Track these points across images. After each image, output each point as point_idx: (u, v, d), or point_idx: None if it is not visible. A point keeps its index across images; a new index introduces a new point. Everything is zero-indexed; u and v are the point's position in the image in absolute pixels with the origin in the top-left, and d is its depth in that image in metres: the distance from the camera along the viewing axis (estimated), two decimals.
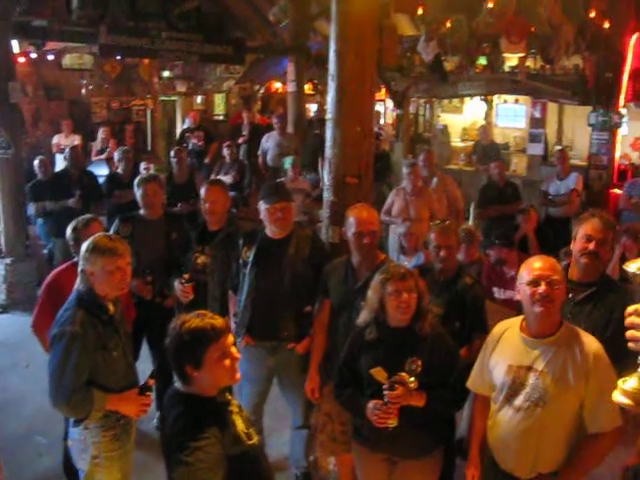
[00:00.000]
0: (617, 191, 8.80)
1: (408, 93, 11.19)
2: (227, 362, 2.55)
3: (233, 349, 2.60)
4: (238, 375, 2.64)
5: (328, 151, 4.84)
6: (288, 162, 8.64)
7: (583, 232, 3.57)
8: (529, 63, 9.98)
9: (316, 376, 4.24)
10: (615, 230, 3.73)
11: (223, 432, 2.50)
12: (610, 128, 9.18)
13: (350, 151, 4.77)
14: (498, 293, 5.42)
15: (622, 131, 9.48)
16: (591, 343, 3.00)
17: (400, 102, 11.29)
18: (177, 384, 2.61)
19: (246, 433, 2.61)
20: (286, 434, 4.71)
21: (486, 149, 11.14)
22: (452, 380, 3.42)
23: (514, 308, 5.10)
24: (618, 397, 1.74)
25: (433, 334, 3.45)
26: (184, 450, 2.39)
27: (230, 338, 2.60)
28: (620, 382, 1.75)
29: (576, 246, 3.60)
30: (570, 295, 3.51)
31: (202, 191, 4.94)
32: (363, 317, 3.54)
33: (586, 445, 3.01)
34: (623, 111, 9.11)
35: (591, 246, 3.52)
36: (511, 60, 10.29)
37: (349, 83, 4.67)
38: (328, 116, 4.84)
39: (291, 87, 11.04)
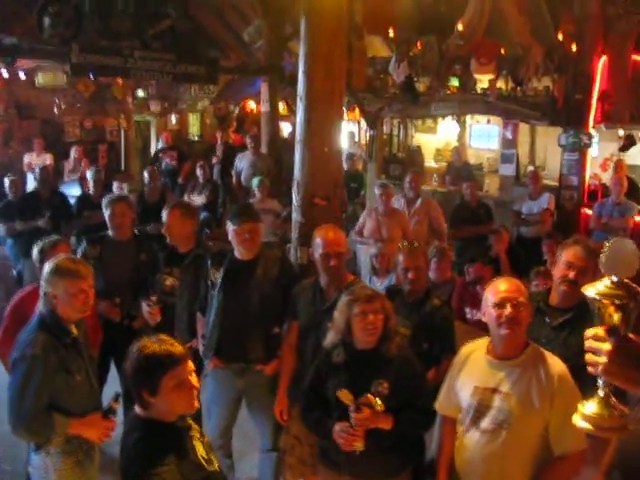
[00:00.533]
0: (588, 211, 8.87)
1: (381, 113, 11.23)
2: (184, 391, 2.50)
3: (192, 378, 2.55)
4: (196, 404, 2.59)
5: (297, 172, 4.84)
6: (255, 182, 8.63)
7: (565, 259, 3.58)
8: (501, 84, 10.08)
9: (284, 398, 4.20)
10: (597, 257, 3.73)
11: (182, 459, 2.45)
12: (580, 149, 9.27)
13: (319, 172, 4.77)
14: (471, 314, 5.42)
15: (592, 152, 9.57)
16: (556, 365, 3.01)
17: (374, 122, 11.33)
18: (137, 408, 2.57)
19: (206, 459, 2.56)
20: (255, 457, 4.65)
21: (459, 170, 11.21)
22: (420, 402, 3.40)
23: (486, 329, 5.15)
24: (578, 421, 1.73)
25: (400, 356, 3.43)
26: (141, 477, 2.34)
27: (189, 366, 2.55)
28: (580, 406, 1.73)
29: (557, 272, 3.61)
30: (547, 320, 3.53)
31: (163, 214, 4.92)
32: (330, 339, 3.52)
33: (551, 467, 3.01)
34: (593, 132, 9.21)
35: (571, 274, 3.53)
36: (483, 82, 10.38)
37: (317, 104, 4.68)
38: (297, 137, 4.84)
39: (265, 107, 11.04)
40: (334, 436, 3.31)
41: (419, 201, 7.61)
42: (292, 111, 14.33)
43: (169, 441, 2.46)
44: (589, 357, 1.67)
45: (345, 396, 3.30)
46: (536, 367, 2.99)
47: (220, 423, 4.44)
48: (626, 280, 1.66)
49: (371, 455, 3.31)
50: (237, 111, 16.28)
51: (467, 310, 5.47)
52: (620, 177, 8.17)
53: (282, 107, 12.89)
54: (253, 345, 4.28)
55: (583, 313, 3.51)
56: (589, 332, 1.69)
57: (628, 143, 9.38)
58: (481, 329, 5.11)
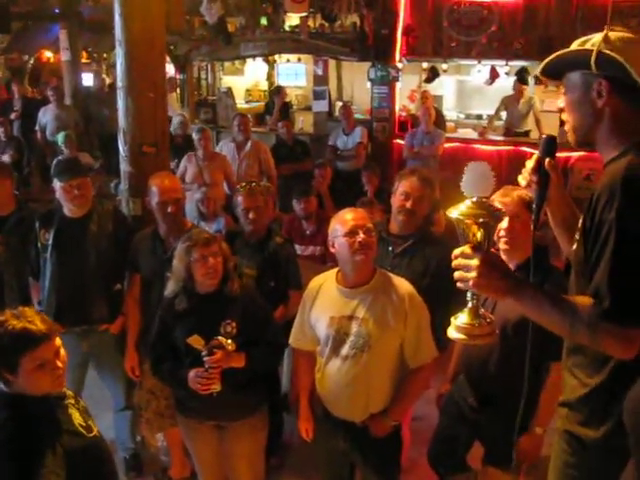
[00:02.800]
0: (400, 141, 9.27)
1: (190, 57, 10.97)
2: (46, 372, 2.29)
3: (59, 357, 2.34)
4: (62, 382, 2.41)
5: (121, 121, 4.63)
6: (61, 138, 8.18)
7: (402, 189, 3.72)
8: (310, 22, 10.15)
9: (134, 354, 4.12)
10: (433, 187, 3.93)
11: (59, 436, 2.32)
12: (389, 82, 9.63)
13: (145, 119, 4.59)
14: (300, 250, 5.52)
15: (398, 84, 9.95)
16: (404, 286, 3.17)
17: (183, 66, 11.05)
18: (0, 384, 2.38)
19: (84, 426, 2.44)
20: (108, 418, 4.52)
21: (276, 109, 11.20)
22: (268, 337, 3.48)
23: (319, 262, 5.31)
24: (452, 333, 1.86)
25: (243, 295, 3.46)
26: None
27: (54, 344, 2.33)
28: (452, 319, 1.87)
29: (395, 202, 3.75)
30: (390, 248, 3.70)
31: None
32: (171, 287, 3.47)
33: (409, 379, 3.21)
34: (399, 65, 9.58)
35: (408, 204, 3.68)
36: (291, 19, 10.41)
37: (138, 48, 4.47)
38: (118, 84, 4.61)
39: (65, 56, 10.39)
40: (190, 383, 3.30)
41: (249, 144, 7.54)
42: (93, 59, 13.65)
43: (40, 418, 2.31)
44: (459, 274, 1.79)
45: (196, 341, 3.31)
46: (387, 290, 3.13)
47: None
48: (484, 199, 1.79)
49: (228, 396, 3.35)
50: (32, 62, 15.19)
51: (296, 246, 5.56)
52: (428, 107, 8.57)
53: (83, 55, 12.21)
54: (94, 305, 4.14)
55: (423, 240, 3.74)
56: (456, 251, 1.81)
57: (432, 75, 9.87)
58: (315, 263, 5.30)
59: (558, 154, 2.05)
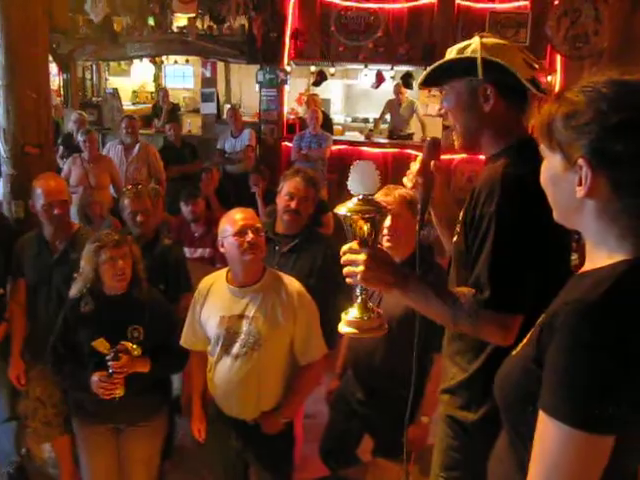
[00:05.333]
0: (288, 144, 9.34)
1: (74, 56, 10.63)
2: None
3: None
4: None
5: (2, 120, 4.46)
6: None
7: (286, 190, 3.78)
8: (198, 23, 10.05)
9: (20, 361, 3.97)
10: (317, 187, 4.00)
11: None
12: (277, 85, 9.67)
13: (28, 119, 4.44)
14: (189, 252, 5.49)
15: (287, 88, 10.03)
16: (293, 283, 3.23)
17: (67, 66, 10.69)
18: None
19: None
20: None
21: (166, 111, 11.03)
22: (173, 342, 3.45)
23: (209, 264, 5.29)
24: (343, 328, 1.91)
25: (150, 299, 3.46)
26: None
27: None
28: (343, 314, 1.92)
29: (280, 202, 3.82)
30: (277, 247, 3.75)
31: None
32: (77, 289, 3.40)
33: (299, 377, 3.27)
34: (288, 68, 9.66)
35: (293, 204, 3.75)
36: (179, 20, 10.28)
37: (19, 45, 4.31)
38: None
39: None
40: (93, 387, 3.25)
41: (137, 147, 7.41)
42: None
43: None
44: (347, 269, 1.86)
45: (101, 345, 3.25)
46: (276, 288, 3.18)
47: None
48: (370, 197, 1.86)
49: (129, 398, 3.31)
50: None
51: (185, 249, 5.52)
52: (315, 110, 8.68)
53: None
54: None
55: (308, 238, 3.82)
56: (345, 247, 1.87)
57: (320, 78, 10.00)
58: (205, 264, 5.29)
59: (442, 157, 2.16)
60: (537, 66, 2.12)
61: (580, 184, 1.31)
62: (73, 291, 3.42)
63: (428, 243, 3.97)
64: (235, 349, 3.13)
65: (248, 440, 3.28)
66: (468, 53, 2.04)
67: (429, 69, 2.15)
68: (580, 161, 1.30)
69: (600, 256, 1.35)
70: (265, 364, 3.13)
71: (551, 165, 1.40)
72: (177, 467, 4.40)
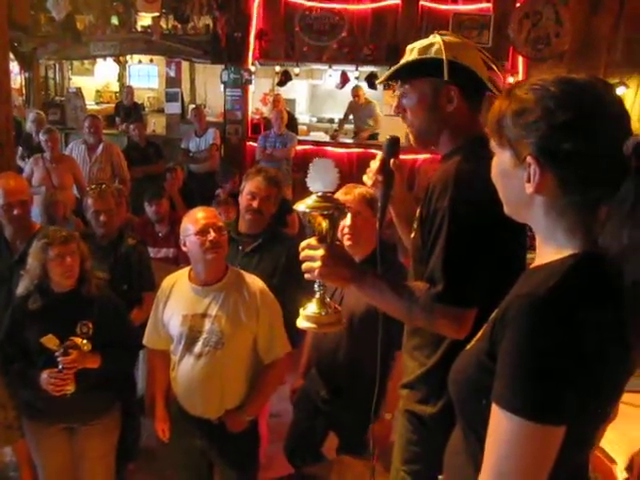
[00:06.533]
0: (252, 143, 9.34)
1: (36, 55, 10.52)
2: None
3: None
4: None
5: None
6: None
7: (248, 189, 3.77)
8: (162, 23, 10.02)
9: None
10: (280, 186, 4.00)
11: None
12: (242, 85, 9.67)
13: None
14: (153, 252, 5.46)
15: (251, 88, 10.03)
16: (255, 283, 3.24)
17: (29, 64, 10.56)
18: None
19: None
20: None
21: (127, 110, 10.99)
22: (123, 338, 3.45)
23: (173, 264, 5.27)
24: (302, 323, 1.93)
25: (100, 295, 3.45)
26: None
27: None
28: (301, 310, 1.94)
29: (242, 202, 3.81)
30: (240, 247, 3.74)
31: None
32: (24, 286, 3.37)
33: (263, 375, 3.28)
34: (252, 68, 9.66)
35: (255, 203, 3.74)
36: (144, 19, 10.22)
37: None
38: None
39: None
40: (43, 384, 3.22)
41: (101, 147, 7.35)
42: None
43: None
44: (306, 265, 1.88)
45: (50, 341, 3.24)
46: (239, 287, 3.19)
47: None
48: (329, 193, 1.88)
49: (80, 397, 3.29)
50: None
51: (149, 249, 5.49)
52: (280, 110, 8.69)
53: None
54: None
55: (271, 237, 3.82)
56: (303, 243, 1.89)
57: (284, 79, 10.01)
58: (169, 264, 5.26)
59: (405, 156, 2.18)
60: (494, 66, 2.16)
61: (529, 181, 1.34)
62: (20, 288, 3.40)
63: (392, 242, 3.99)
64: (198, 348, 3.13)
65: (212, 439, 3.28)
66: (432, 53, 2.06)
67: (393, 69, 2.16)
68: (528, 158, 1.33)
69: (549, 251, 1.38)
70: (228, 363, 3.13)
71: (501, 161, 1.43)
72: (142, 468, 4.38)
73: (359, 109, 10.09)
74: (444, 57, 2.02)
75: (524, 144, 1.34)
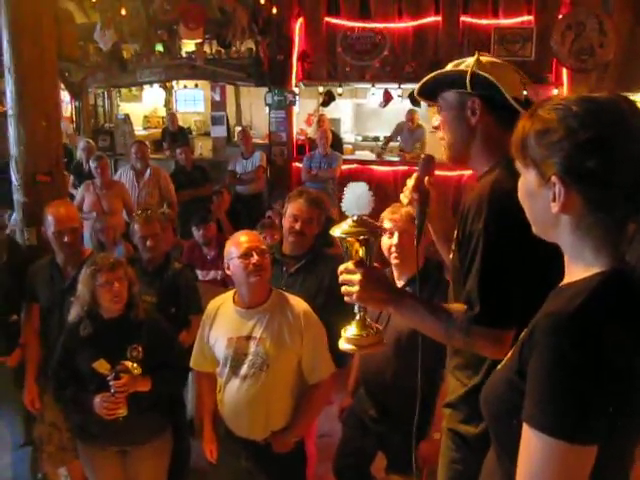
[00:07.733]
0: (298, 164, 9.41)
1: (85, 84, 10.83)
2: None
3: None
4: None
5: (13, 149, 4.53)
6: None
7: (290, 211, 3.80)
8: (206, 48, 10.21)
9: (34, 386, 4.01)
10: (322, 207, 4.03)
11: None
12: (286, 106, 9.78)
13: (38, 147, 4.51)
14: (201, 275, 5.55)
15: (295, 109, 10.13)
16: (299, 304, 3.26)
17: (78, 94, 10.88)
18: None
19: None
20: (7, 457, 4.37)
21: (174, 135, 11.20)
22: (172, 360, 3.51)
23: (221, 286, 5.33)
24: (342, 345, 1.96)
25: (148, 319, 3.52)
26: None
27: None
28: (342, 331, 1.96)
29: (285, 224, 3.85)
30: (284, 268, 3.78)
31: None
32: (75, 313, 3.46)
33: (308, 396, 3.29)
34: (296, 90, 9.76)
35: (297, 226, 3.77)
36: (188, 45, 10.43)
37: (28, 75, 4.39)
38: (9, 112, 4.52)
39: None
40: (96, 408, 3.30)
41: (148, 172, 7.51)
42: None
43: None
44: (344, 289, 1.90)
45: (101, 366, 3.31)
46: (283, 309, 3.22)
47: None
48: (365, 217, 1.90)
49: (131, 419, 3.35)
50: None
51: (198, 272, 5.58)
52: (324, 130, 8.76)
53: None
54: None
55: (314, 258, 3.85)
56: (341, 267, 1.92)
57: (328, 99, 10.09)
58: (217, 287, 5.33)
59: (451, 173, 2.19)
60: (528, 88, 2.16)
61: (554, 200, 1.34)
62: (72, 315, 3.49)
63: (438, 260, 3.98)
64: (243, 370, 3.17)
65: (259, 460, 3.30)
66: (463, 67, 2.09)
67: (423, 80, 2.19)
68: (553, 178, 1.33)
69: (577, 269, 1.38)
70: (273, 384, 3.16)
71: (526, 181, 1.43)
72: None
73: (409, 132, 10.08)
74: (469, 69, 2.03)
75: (548, 164, 1.34)
